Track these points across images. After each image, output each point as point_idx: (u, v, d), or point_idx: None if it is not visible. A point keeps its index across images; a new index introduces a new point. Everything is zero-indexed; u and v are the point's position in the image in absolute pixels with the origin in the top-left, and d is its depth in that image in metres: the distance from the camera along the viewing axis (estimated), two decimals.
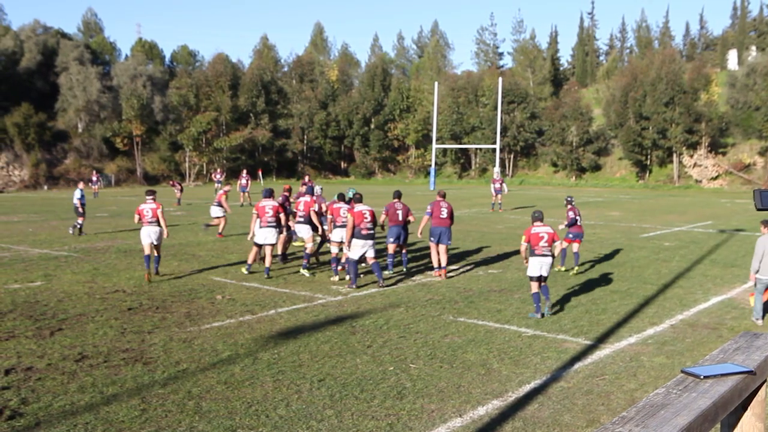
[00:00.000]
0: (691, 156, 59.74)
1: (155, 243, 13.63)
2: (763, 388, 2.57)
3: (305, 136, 73.89)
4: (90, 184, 42.37)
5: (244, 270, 14.09)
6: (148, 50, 75.96)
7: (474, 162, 73.74)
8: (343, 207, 14.12)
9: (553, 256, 10.70)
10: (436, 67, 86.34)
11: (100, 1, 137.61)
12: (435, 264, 14.15)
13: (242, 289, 12.34)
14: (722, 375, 2.31)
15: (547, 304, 10.61)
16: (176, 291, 12.13)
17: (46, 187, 54.04)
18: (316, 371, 7.60)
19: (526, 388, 7.19)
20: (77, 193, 21.19)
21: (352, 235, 12.74)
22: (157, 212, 13.59)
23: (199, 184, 61.99)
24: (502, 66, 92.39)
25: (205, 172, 64.99)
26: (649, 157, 63.58)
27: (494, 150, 59.18)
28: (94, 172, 47.72)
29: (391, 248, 14.46)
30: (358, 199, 13.44)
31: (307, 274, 14.04)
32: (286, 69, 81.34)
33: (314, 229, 14.93)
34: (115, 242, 18.97)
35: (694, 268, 15.47)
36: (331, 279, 13.62)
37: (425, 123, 72.44)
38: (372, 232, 12.93)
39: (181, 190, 34.84)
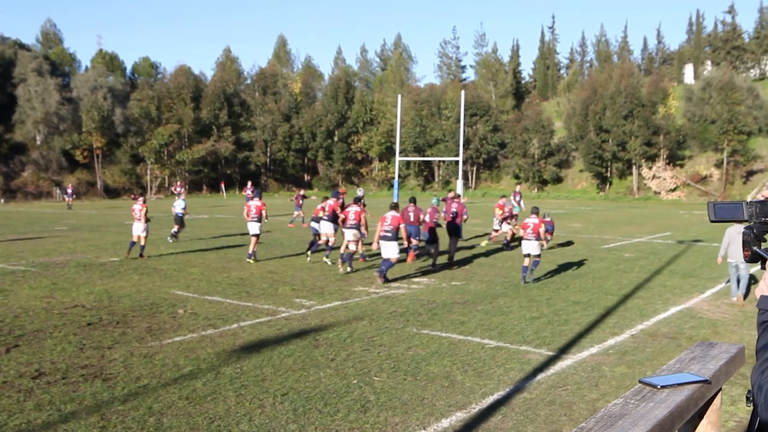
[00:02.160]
0: (650, 168, 60.84)
1: (142, 234, 18.45)
2: (719, 396, 2.62)
3: (268, 149, 73.63)
4: (65, 196, 42.19)
5: (249, 260, 17.80)
6: (109, 62, 75.14)
7: (437, 174, 74.15)
8: (353, 209, 16.87)
9: (538, 240, 14.78)
10: (399, 80, 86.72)
11: (59, 12, 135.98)
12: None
13: (204, 303, 12.22)
14: (679, 384, 2.35)
15: (531, 275, 14.86)
16: (137, 305, 11.96)
17: (2, 201, 53.01)
18: (279, 385, 7.55)
19: (490, 399, 7.22)
20: (180, 204, 22.11)
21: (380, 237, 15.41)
22: (141, 212, 18.53)
23: (161, 197, 61.33)
24: (465, 79, 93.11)
25: (167, 185, 64.36)
26: (609, 169, 64.55)
27: (457, 162, 59.57)
28: (69, 184, 47.28)
29: (412, 241, 17.87)
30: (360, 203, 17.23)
31: (329, 263, 17.51)
32: (249, 81, 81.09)
33: (337, 226, 18.11)
34: (74, 256, 18.66)
35: (654, 279, 15.71)
36: (339, 270, 16.45)
37: (388, 135, 72.70)
38: (388, 233, 15.22)
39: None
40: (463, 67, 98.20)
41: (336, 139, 74.91)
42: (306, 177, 76.76)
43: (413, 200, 18.28)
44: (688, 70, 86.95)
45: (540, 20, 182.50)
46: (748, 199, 2.16)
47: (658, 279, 15.73)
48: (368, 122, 75.89)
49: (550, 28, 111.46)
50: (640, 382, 2.39)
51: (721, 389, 2.63)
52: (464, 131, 61.29)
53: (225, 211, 38.96)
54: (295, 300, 12.72)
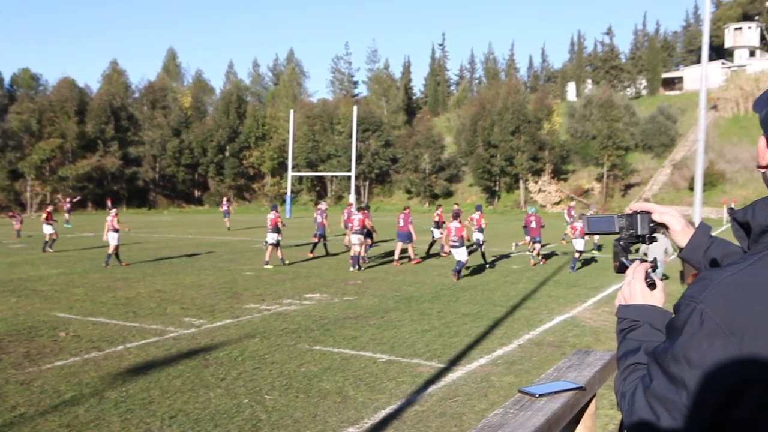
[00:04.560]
0: (536, 182, 63.05)
1: (113, 244, 20.15)
2: (593, 402, 2.73)
3: (157, 164, 71.73)
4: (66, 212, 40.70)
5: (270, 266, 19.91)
6: None
7: (330, 189, 74.23)
8: (357, 217, 20.31)
9: (463, 244, 18.07)
10: (291, 94, 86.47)
11: None
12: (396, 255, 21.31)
13: (88, 325, 11.74)
14: (555, 392, 2.43)
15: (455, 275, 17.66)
16: (14, 329, 11.36)
17: None
18: (168, 408, 7.33)
19: (382, 413, 7.25)
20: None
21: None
22: (110, 222, 20.37)
23: (42, 214, 58.61)
24: (357, 94, 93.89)
25: (48, 202, 61.61)
26: (497, 183, 66.42)
27: (350, 177, 59.82)
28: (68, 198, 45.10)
29: (400, 246, 21.43)
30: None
31: (351, 269, 19.58)
32: (137, 95, 78.80)
33: (367, 236, 20.80)
34: None
35: (540, 290, 16.23)
36: (350, 270, 19.31)
37: (281, 151, 72.27)
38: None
39: (21, 222, 32.84)
40: (356, 82, 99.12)
41: (227, 154, 73.83)
42: (196, 193, 75.23)
43: (406, 208, 22.68)
44: (571, 88, 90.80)
45: (431, 38, 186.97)
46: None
47: (544, 289, 16.26)
48: (260, 137, 75.21)
49: (440, 45, 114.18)
50: (519, 391, 2.45)
51: (595, 395, 2.75)
52: (357, 146, 61.66)
53: None
54: (185, 319, 12.40)
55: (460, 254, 18.09)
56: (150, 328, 11.58)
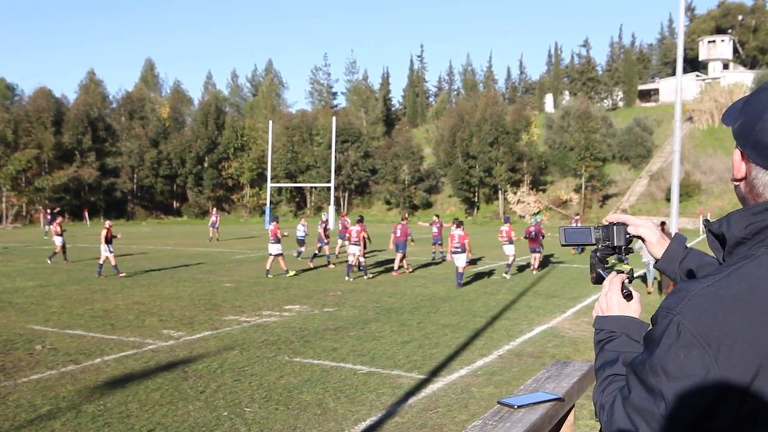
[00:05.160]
0: (515, 193, 63.38)
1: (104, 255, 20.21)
2: (572, 412, 2.75)
3: (135, 175, 71.23)
4: (52, 225, 40.28)
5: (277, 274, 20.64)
6: None
7: (309, 200, 74.13)
8: (354, 228, 21.03)
9: (465, 251, 18.59)
10: (270, 105, 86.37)
11: None
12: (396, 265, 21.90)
13: (65, 338, 11.62)
14: (534, 404, 2.45)
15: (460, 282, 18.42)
16: None
17: None
18: (146, 421, 7.27)
19: (362, 425, 7.25)
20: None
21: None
22: (103, 234, 20.47)
23: (18, 226, 58.00)
24: (336, 105, 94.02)
25: (24, 213, 61.00)
26: (476, 194, 66.67)
27: (329, 188, 59.77)
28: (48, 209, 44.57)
29: (399, 256, 22.02)
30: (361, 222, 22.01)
31: (365, 277, 20.57)
32: (114, 105, 78.25)
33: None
34: None
35: (519, 300, 16.30)
36: (345, 279, 20.05)
37: (260, 161, 72.12)
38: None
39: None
40: (335, 93, 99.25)
41: (206, 165, 73.51)
42: (175, 204, 74.78)
43: (404, 218, 23.48)
44: (549, 99, 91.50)
45: (409, 49, 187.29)
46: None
47: (524, 300, 16.34)
48: (239, 148, 75.01)
49: (419, 56, 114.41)
50: (498, 402, 2.47)
51: (574, 405, 2.77)
52: (336, 157, 61.66)
53: (88, 240, 37.28)
54: (163, 331, 12.32)
55: (460, 260, 18.69)
56: (128, 340, 11.49)
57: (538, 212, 58.47)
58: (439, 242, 26.69)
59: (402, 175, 68.99)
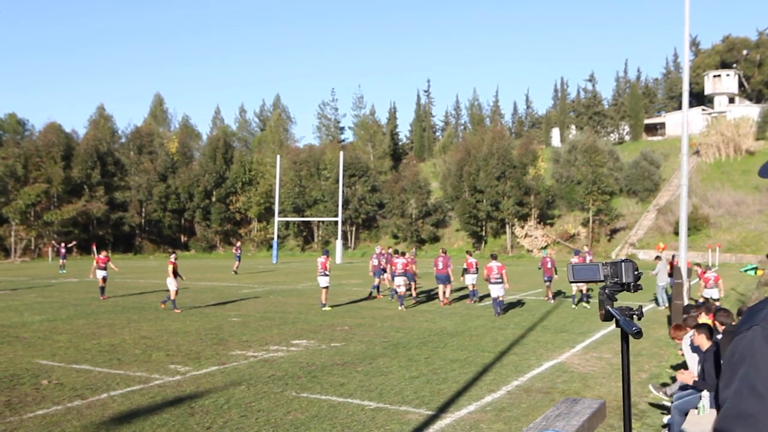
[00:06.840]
0: (522, 227, 63.29)
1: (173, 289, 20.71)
2: None
3: (143, 209, 71.58)
4: (59, 257, 41.04)
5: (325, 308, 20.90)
6: None
7: (317, 234, 74.20)
8: (400, 260, 22.27)
9: (503, 281, 19.90)
10: (278, 140, 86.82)
11: None
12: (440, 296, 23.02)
13: (72, 372, 11.59)
14: None
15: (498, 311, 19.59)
16: None
17: None
18: None
19: None
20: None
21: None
22: (170, 269, 21.14)
23: (27, 260, 58.17)
24: (344, 140, 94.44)
25: (33, 247, 61.20)
26: (484, 228, 66.60)
27: (336, 223, 59.84)
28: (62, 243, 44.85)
29: (441, 288, 23.09)
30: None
31: (400, 308, 21.27)
32: (123, 140, 78.96)
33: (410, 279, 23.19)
34: None
35: (528, 335, 16.19)
36: (399, 308, 21.21)
37: (267, 196, 72.37)
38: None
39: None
40: (342, 128, 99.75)
41: (214, 199, 73.84)
42: (183, 238, 74.97)
43: (444, 251, 24.13)
44: (555, 133, 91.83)
45: (416, 84, 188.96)
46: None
47: (532, 335, 16.23)
48: (247, 182, 75.37)
49: (425, 91, 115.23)
50: None
51: None
52: (343, 191, 61.81)
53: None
54: (170, 366, 12.27)
55: (497, 290, 19.90)
56: (135, 375, 11.45)
57: (545, 246, 58.30)
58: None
59: (409, 209, 69.06)
